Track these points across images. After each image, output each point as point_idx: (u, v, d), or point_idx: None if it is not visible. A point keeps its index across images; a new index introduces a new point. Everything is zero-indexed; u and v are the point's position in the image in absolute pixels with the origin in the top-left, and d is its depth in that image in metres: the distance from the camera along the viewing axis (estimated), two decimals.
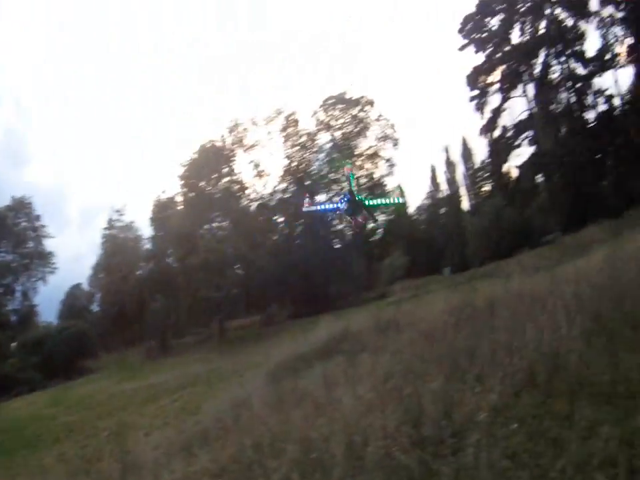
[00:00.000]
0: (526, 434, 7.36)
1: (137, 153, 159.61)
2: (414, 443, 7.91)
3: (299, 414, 10.90)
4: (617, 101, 64.92)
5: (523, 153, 68.65)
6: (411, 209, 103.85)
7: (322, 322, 23.12)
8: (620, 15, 64.52)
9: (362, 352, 15.72)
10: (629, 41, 65.24)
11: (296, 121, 75.09)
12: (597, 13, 64.85)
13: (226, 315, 56.06)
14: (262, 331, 51.10)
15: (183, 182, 61.41)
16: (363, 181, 79.56)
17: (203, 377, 30.39)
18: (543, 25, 67.97)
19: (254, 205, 69.17)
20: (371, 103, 79.65)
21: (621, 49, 65.87)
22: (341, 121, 79.85)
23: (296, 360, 17.99)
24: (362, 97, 79.64)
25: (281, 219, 71.85)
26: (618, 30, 65.34)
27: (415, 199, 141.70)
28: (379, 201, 15.74)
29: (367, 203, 13.58)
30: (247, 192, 68.00)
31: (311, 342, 20.29)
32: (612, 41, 65.55)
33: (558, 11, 67.17)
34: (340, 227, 77.33)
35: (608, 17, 64.82)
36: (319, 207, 14.55)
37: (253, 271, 55.26)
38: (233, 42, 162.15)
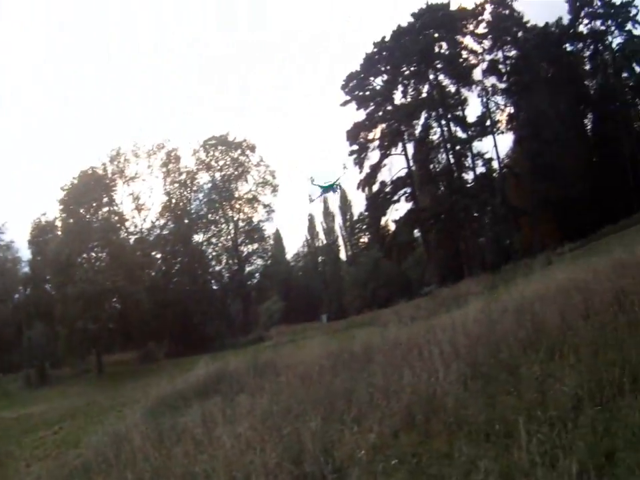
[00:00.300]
0: (407, 471, 7.59)
1: (23, 167, 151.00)
2: (295, 479, 8.08)
3: (180, 450, 10.84)
4: (495, 164, 67.73)
5: (400, 207, 70.00)
6: (289, 256, 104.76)
7: (200, 362, 22.83)
8: (502, 85, 68.15)
9: (240, 392, 15.66)
10: (510, 109, 68.85)
11: (177, 157, 73.61)
12: (479, 82, 68.14)
13: (103, 349, 54.24)
14: (139, 368, 49.68)
15: (62, 207, 58.81)
16: (241, 224, 79.38)
17: (82, 410, 29.24)
18: (425, 88, 70.50)
19: (133, 239, 67.48)
20: (252, 148, 79.06)
21: (502, 117, 69.35)
22: (222, 162, 79.18)
23: (175, 398, 17.63)
24: (244, 141, 79.12)
25: (159, 255, 70.40)
26: (499, 99, 69.05)
27: (292, 246, 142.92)
28: (329, 182, 32.89)
29: (330, 184, 30.82)
30: (126, 224, 66.05)
31: (189, 381, 19.96)
32: (493, 109, 69.05)
33: (441, 77, 70.13)
34: (218, 268, 77.00)
35: (490, 86, 68.39)
36: (318, 195, 32.21)
37: (130, 305, 53.80)
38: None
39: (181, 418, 14.26)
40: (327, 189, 58.53)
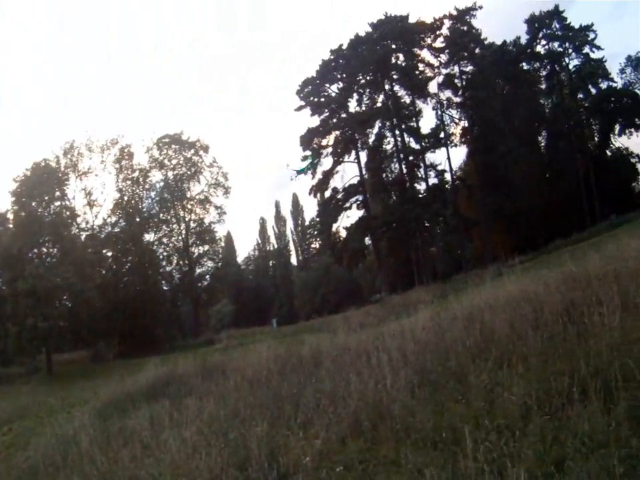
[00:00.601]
0: (353, 478, 7.56)
1: None
2: None
3: (127, 453, 10.79)
4: (447, 176, 68.35)
5: (352, 215, 70.03)
6: (240, 259, 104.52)
7: (149, 363, 22.56)
8: (457, 99, 68.97)
9: (188, 395, 15.55)
10: (464, 123, 69.70)
11: (131, 154, 71.59)
12: (435, 95, 69.03)
13: (53, 348, 52.92)
14: (90, 368, 48.76)
15: (14, 198, 57.00)
16: (192, 225, 78.61)
17: (32, 410, 28.37)
18: (381, 98, 71.11)
19: (84, 235, 65.96)
20: (205, 148, 78.28)
21: (456, 130, 70.19)
22: (175, 161, 78.30)
23: (124, 399, 17.35)
24: (197, 141, 78.42)
25: (110, 254, 69.08)
26: (454, 112, 69.96)
27: (244, 249, 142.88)
28: (303, 166, 54.02)
29: (303, 167, 61.31)
30: (77, 220, 64.56)
31: (138, 382, 19.69)
32: (447, 122, 69.97)
33: (397, 87, 70.72)
34: (168, 268, 76.12)
35: (445, 99, 69.27)
36: (295, 176, 49.67)
37: (81, 303, 52.57)
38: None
39: (129, 420, 14.17)
40: (300, 172, 66.35)
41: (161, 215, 74.97)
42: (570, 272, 15.21)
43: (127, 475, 9.52)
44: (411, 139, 69.22)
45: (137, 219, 70.46)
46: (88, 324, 54.20)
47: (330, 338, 20.44)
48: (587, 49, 68.92)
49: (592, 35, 68.32)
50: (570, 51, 69.87)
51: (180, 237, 77.50)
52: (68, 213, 60.14)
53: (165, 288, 74.26)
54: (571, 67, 70.52)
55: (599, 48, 68.22)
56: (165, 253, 75.66)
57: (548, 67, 71.60)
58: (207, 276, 79.96)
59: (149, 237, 73.09)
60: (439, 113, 69.00)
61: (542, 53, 71.65)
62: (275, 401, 11.95)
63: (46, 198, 56.26)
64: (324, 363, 14.53)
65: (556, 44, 70.54)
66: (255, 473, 8.24)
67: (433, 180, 68.36)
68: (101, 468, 10.29)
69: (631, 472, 5.67)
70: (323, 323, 44.85)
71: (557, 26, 69.99)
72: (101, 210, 68.79)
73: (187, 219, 78.42)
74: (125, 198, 70.87)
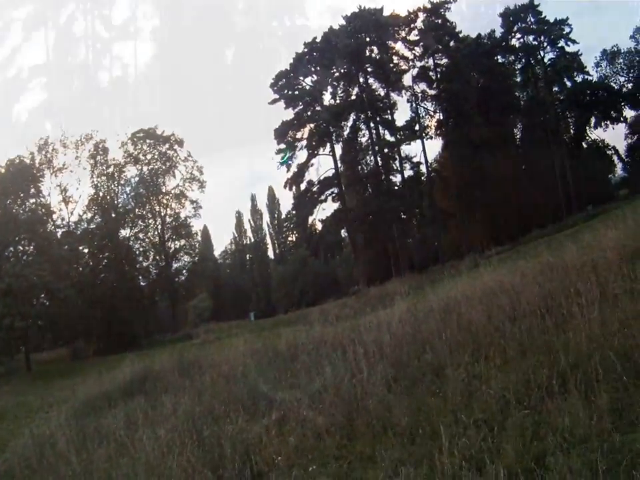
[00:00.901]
0: (328, 475, 7.40)
1: None
2: None
3: (102, 453, 10.59)
4: (423, 168, 68.44)
5: (328, 207, 69.86)
6: (217, 253, 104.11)
7: (127, 360, 22.36)
8: (432, 92, 69.10)
9: (164, 392, 15.34)
10: (439, 115, 69.82)
11: (105, 149, 70.46)
12: (409, 87, 68.97)
13: (32, 346, 52.32)
14: (69, 366, 48.34)
15: None
16: (168, 220, 78.08)
17: (11, 411, 28.06)
18: (355, 90, 70.92)
19: (59, 232, 65.26)
20: (180, 142, 77.25)
21: (431, 123, 70.27)
22: (149, 156, 77.02)
23: (101, 398, 17.11)
24: (172, 135, 77.23)
25: (86, 250, 68.38)
26: (429, 105, 70.04)
27: (220, 243, 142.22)
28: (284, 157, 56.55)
29: (284, 159, 62.90)
30: (53, 217, 63.84)
31: (116, 380, 19.48)
32: (422, 114, 69.99)
33: (371, 80, 70.68)
34: (145, 264, 75.60)
35: (420, 92, 69.25)
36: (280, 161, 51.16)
37: (58, 302, 51.98)
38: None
39: (105, 419, 13.94)
40: (283, 163, 68.78)
41: (137, 210, 74.21)
42: (547, 262, 15.24)
43: (102, 475, 9.38)
44: (386, 132, 69.29)
45: (113, 215, 69.78)
46: (66, 322, 53.77)
47: (306, 331, 20.36)
48: (562, 43, 69.24)
49: (567, 29, 68.69)
50: (545, 44, 70.21)
51: (156, 232, 76.87)
52: (43, 210, 59.38)
53: (142, 284, 73.76)
54: (546, 60, 70.86)
55: (574, 42, 68.66)
56: (141, 249, 75.01)
57: (523, 60, 71.84)
58: (184, 271, 79.45)
59: (125, 232, 72.41)
60: (414, 105, 69.07)
61: (517, 46, 71.84)
62: (251, 397, 11.82)
63: (21, 195, 55.52)
64: (300, 356, 14.47)
65: (531, 37, 70.85)
66: (229, 472, 8.08)
67: (408, 172, 68.59)
68: (75, 469, 10.06)
69: (614, 467, 5.55)
70: (300, 316, 44.87)
71: (532, 19, 70.23)
72: (77, 206, 67.91)
73: (162, 214, 77.67)
74: (100, 194, 70.12)
